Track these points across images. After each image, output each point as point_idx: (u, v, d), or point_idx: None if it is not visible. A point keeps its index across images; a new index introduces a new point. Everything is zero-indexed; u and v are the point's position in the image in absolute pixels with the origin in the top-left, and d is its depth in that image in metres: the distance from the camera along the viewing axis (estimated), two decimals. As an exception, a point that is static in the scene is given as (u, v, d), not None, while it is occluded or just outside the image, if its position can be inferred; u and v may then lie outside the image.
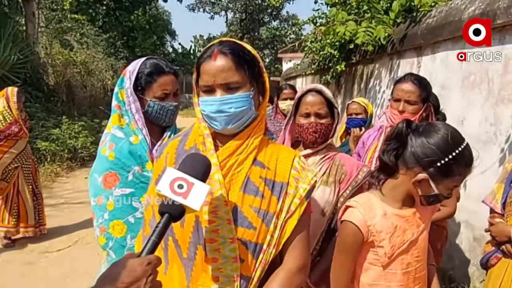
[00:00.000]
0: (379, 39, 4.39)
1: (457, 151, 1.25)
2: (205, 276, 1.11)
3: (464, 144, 1.28)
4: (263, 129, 1.20)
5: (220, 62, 1.10)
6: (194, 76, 1.17)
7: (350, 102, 3.34)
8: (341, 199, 1.66)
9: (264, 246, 1.12)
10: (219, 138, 1.18)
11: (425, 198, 1.33)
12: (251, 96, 1.13)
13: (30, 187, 4.46)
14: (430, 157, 1.26)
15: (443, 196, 1.31)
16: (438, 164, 1.25)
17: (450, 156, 1.25)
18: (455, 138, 1.28)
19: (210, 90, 1.12)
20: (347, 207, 1.41)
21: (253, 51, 1.18)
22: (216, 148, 1.15)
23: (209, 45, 1.17)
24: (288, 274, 1.13)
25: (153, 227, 1.20)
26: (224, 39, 1.18)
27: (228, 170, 1.13)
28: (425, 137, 1.29)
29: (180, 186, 0.94)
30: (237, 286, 1.10)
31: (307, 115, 1.69)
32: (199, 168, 1.00)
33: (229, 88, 1.11)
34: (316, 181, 1.19)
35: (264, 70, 1.20)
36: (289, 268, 1.14)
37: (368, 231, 1.33)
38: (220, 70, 1.09)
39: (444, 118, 2.54)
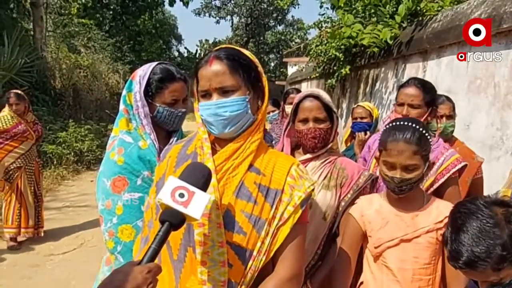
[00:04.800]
0: (385, 41, 4.38)
1: (381, 131, 1.44)
2: (193, 279, 1.11)
3: (389, 126, 1.49)
4: (262, 133, 1.20)
5: (215, 67, 1.13)
6: (194, 82, 1.20)
7: (355, 106, 3.32)
8: (343, 203, 1.66)
9: (254, 253, 1.11)
10: (218, 142, 1.19)
11: (384, 181, 1.48)
12: (247, 100, 1.15)
13: (32, 188, 4.52)
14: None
15: (387, 177, 1.45)
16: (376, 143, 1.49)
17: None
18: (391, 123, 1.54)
19: (207, 95, 1.15)
20: (352, 203, 1.61)
21: (251, 56, 1.19)
22: (214, 152, 1.17)
23: (207, 52, 1.20)
24: (278, 282, 1.12)
25: (151, 228, 1.21)
26: (222, 46, 1.20)
27: (223, 174, 1.13)
28: None
29: (181, 195, 0.95)
30: None
31: (306, 121, 1.69)
32: (199, 177, 1.01)
33: (224, 92, 1.13)
34: (313, 189, 1.18)
35: (263, 75, 1.21)
36: (280, 277, 1.12)
37: (363, 222, 1.54)
38: (215, 75, 1.12)
39: None
